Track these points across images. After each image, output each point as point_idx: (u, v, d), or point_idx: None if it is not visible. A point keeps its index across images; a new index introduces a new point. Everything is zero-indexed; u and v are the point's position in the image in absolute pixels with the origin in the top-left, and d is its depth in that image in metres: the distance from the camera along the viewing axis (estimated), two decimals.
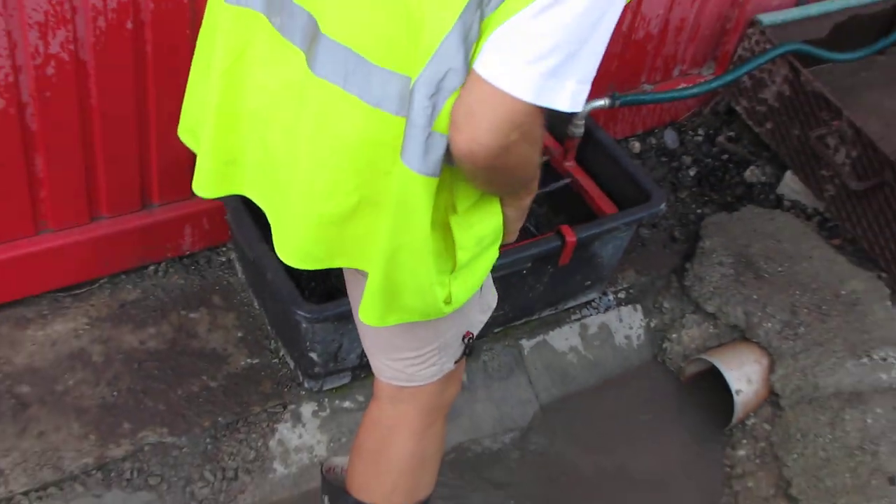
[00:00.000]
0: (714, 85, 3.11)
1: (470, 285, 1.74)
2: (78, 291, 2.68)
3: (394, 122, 1.52)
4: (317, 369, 2.54)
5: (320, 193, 1.62)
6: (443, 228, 1.65)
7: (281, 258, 1.73)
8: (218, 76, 1.69)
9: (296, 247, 1.70)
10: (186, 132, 1.89)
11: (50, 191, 2.50)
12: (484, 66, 1.39)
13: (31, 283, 2.62)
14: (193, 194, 2.66)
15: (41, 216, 2.55)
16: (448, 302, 1.72)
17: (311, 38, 1.56)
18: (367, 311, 1.72)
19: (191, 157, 2.57)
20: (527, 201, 1.74)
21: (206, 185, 1.83)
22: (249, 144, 1.72)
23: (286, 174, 1.66)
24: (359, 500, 2.08)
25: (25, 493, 2.35)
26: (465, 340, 1.96)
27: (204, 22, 1.77)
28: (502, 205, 1.71)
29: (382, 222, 1.61)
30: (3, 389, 2.49)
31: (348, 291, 2.00)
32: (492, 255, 1.77)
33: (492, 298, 2.04)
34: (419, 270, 1.64)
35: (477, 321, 1.99)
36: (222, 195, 1.83)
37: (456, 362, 1.99)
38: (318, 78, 1.55)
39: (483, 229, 1.69)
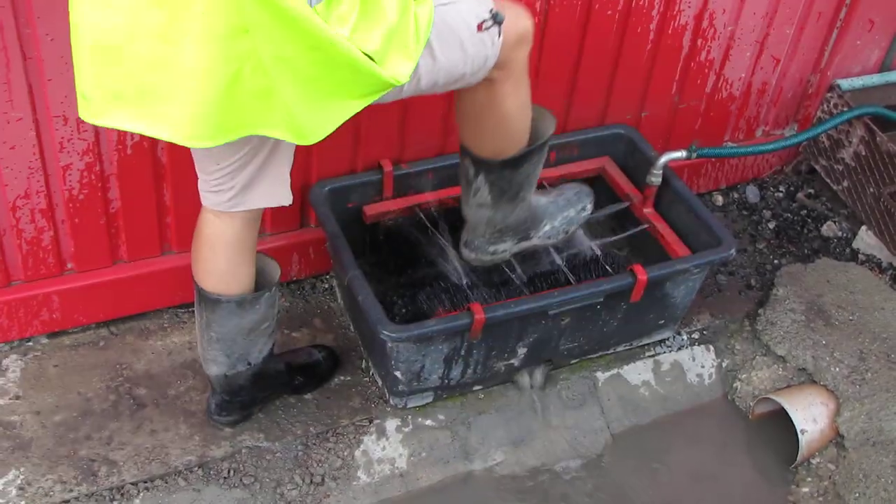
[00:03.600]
0: (790, 142, 3.03)
1: None
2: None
3: None
4: (401, 387, 2.55)
5: (204, 70, 1.63)
6: None
7: (183, 141, 1.70)
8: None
9: (197, 122, 1.68)
10: None
11: (175, 217, 2.59)
12: None
13: (155, 298, 2.71)
14: (301, 225, 2.78)
15: (166, 239, 2.64)
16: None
17: None
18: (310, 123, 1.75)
19: (300, 192, 2.65)
20: None
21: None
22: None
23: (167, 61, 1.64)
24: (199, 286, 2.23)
25: (134, 484, 2.40)
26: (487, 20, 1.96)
27: None
28: None
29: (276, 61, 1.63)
30: (124, 391, 2.57)
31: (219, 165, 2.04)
32: None
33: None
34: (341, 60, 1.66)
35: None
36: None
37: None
38: None
39: None
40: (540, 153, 2.35)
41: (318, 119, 1.76)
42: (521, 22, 2.06)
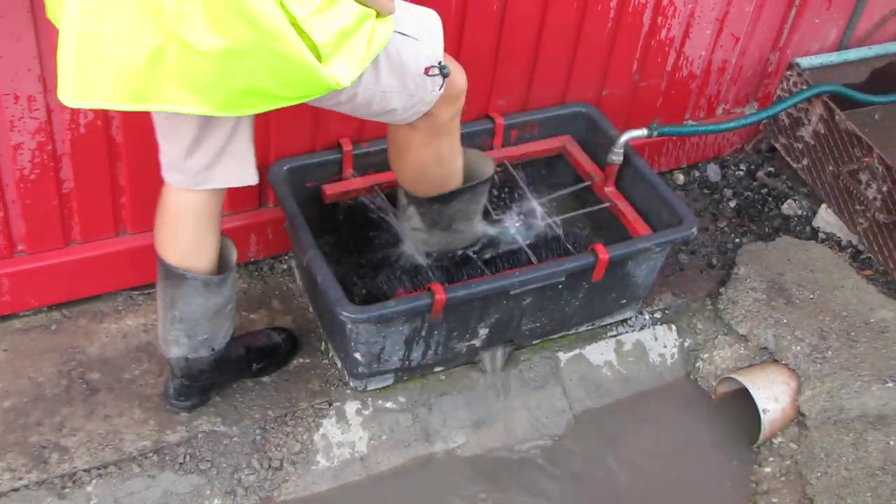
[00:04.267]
0: (750, 121, 2.98)
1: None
2: (150, 290, 2.65)
3: None
4: (361, 369, 2.48)
5: (126, 39, 1.61)
6: None
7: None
8: None
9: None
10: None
11: (130, 197, 2.50)
12: None
13: (109, 281, 2.62)
14: (260, 205, 2.70)
15: (121, 220, 2.55)
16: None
17: None
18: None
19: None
20: None
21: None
22: None
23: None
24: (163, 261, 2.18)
25: (87, 471, 2.32)
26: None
27: None
28: None
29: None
30: (76, 375, 2.48)
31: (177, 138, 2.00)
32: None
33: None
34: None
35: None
36: None
37: None
38: None
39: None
40: (472, 192, 2.43)
41: (241, 102, 1.71)
42: (459, 80, 2.14)
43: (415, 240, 2.52)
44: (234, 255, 2.28)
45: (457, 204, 2.40)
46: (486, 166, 2.44)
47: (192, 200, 2.09)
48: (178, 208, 2.11)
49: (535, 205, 2.75)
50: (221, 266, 2.25)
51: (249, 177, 2.08)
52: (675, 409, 2.83)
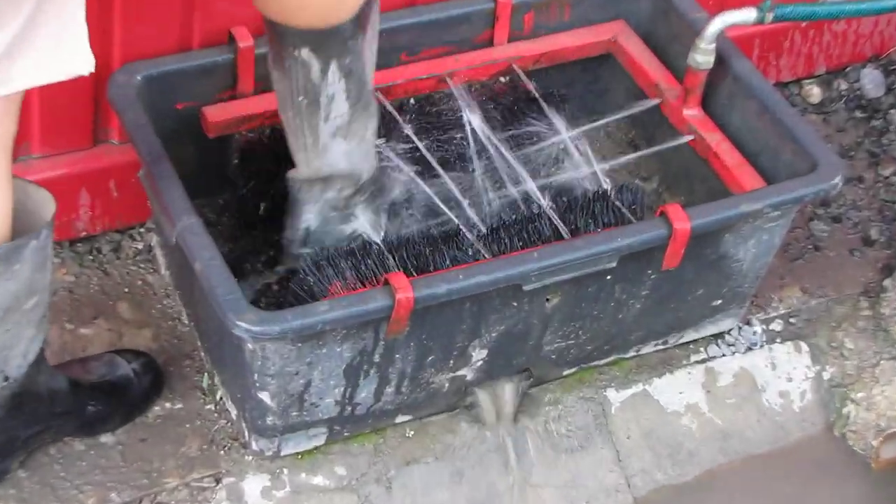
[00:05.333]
0: None
1: None
2: None
3: None
4: (270, 420, 2.51)
5: None
6: None
7: None
8: None
9: None
10: None
11: None
12: None
13: None
14: (96, 141, 2.72)
15: None
16: None
17: None
18: None
19: (93, 84, 2.60)
20: None
21: None
22: None
23: None
24: None
25: None
26: None
27: None
28: None
29: None
30: None
31: None
32: None
33: None
34: None
35: None
36: None
37: None
38: None
39: None
40: None
41: None
42: None
43: (332, 166, 2.56)
44: (47, 211, 2.29)
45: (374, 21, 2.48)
46: None
47: None
48: None
49: (566, 139, 2.78)
50: (20, 227, 2.25)
51: (79, 58, 2.05)
52: (808, 484, 2.89)
